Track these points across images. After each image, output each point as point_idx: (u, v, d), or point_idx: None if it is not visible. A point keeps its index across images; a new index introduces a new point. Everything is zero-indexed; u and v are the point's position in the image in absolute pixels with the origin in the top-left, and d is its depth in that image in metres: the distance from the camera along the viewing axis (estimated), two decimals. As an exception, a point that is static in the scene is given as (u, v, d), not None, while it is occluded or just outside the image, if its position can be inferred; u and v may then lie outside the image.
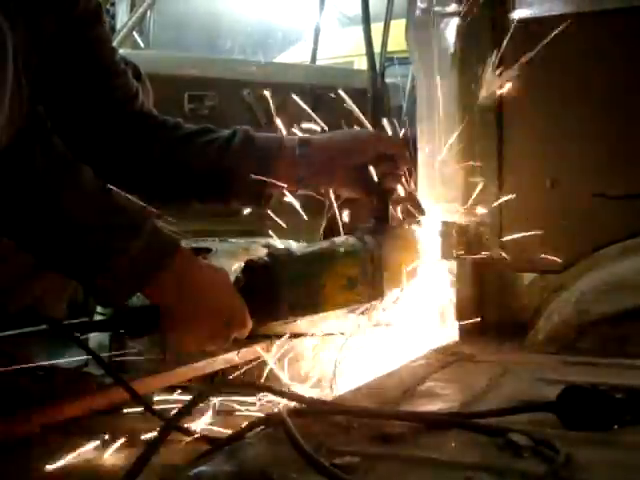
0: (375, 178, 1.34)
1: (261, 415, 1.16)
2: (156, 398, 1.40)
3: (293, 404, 1.09)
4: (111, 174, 1.23)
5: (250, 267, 1.20)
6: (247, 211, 1.41)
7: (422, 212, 1.43)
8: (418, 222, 1.43)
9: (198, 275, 1.11)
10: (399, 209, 1.40)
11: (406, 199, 1.39)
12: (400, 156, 1.36)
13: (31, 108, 1.01)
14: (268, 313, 1.22)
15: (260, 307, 1.19)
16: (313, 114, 1.50)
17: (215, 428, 1.27)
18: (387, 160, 1.33)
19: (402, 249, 1.37)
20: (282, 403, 1.19)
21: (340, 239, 1.32)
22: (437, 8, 1.83)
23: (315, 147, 1.34)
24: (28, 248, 1.06)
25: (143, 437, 1.20)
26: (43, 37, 1.13)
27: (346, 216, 1.42)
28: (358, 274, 1.28)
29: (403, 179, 1.36)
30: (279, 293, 1.20)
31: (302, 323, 1.66)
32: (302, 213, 1.42)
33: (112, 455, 1.16)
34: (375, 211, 1.37)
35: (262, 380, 1.43)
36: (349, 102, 1.50)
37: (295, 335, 1.62)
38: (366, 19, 3.32)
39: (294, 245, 1.47)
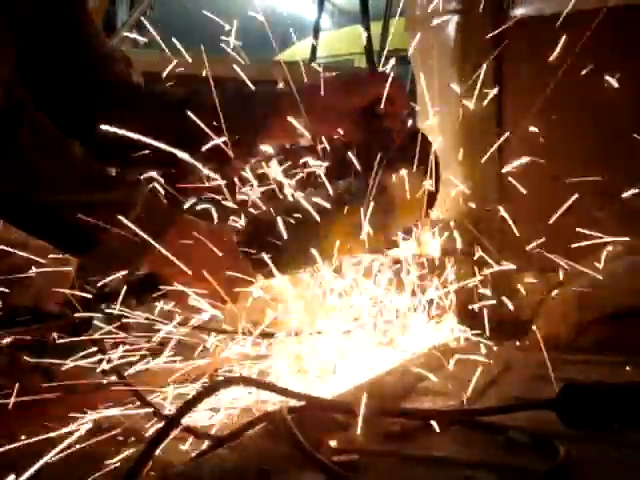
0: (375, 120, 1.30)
1: (261, 413, 1.15)
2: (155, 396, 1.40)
3: (293, 401, 1.09)
4: (100, 150, 1.23)
5: (251, 223, 1.21)
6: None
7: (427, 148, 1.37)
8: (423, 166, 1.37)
9: (195, 241, 1.12)
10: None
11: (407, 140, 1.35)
12: (399, 96, 1.32)
13: (13, 88, 1.02)
14: (275, 265, 1.21)
15: (264, 261, 1.19)
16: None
17: (215, 425, 1.27)
18: (386, 100, 1.29)
19: (410, 193, 1.33)
20: (282, 401, 1.19)
21: (344, 183, 1.29)
22: (437, 6, 1.83)
23: (311, 93, 1.30)
24: (20, 224, 1.08)
25: (144, 435, 1.20)
26: (20, 20, 1.13)
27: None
28: (364, 220, 1.25)
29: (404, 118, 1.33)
30: (283, 244, 1.19)
31: (301, 323, 1.67)
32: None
33: (113, 452, 1.16)
34: (379, 153, 1.31)
35: (263, 377, 1.43)
36: None
37: (296, 333, 1.62)
38: (365, 18, 3.32)
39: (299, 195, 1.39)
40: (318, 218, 1.22)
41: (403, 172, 1.32)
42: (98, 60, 1.33)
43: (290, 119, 1.27)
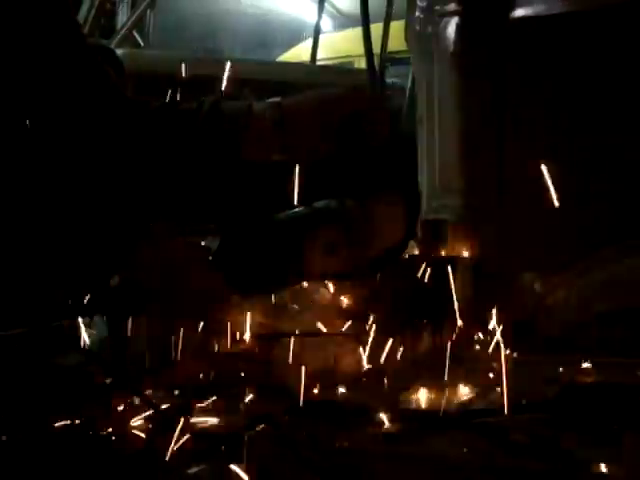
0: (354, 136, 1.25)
1: (260, 414, 1.15)
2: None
3: (292, 403, 1.09)
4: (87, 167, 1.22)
5: (226, 240, 1.20)
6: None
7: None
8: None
9: (170, 255, 1.12)
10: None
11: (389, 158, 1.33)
12: (379, 111, 1.28)
13: None
14: (252, 285, 1.21)
15: (240, 280, 1.18)
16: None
17: (214, 426, 1.27)
18: (366, 116, 1.25)
19: (388, 216, 1.31)
20: (281, 402, 1.19)
21: (320, 204, 1.26)
22: (437, 7, 1.83)
23: (288, 112, 1.25)
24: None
25: (143, 436, 1.19)
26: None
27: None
28: (339, 240, 1.23)
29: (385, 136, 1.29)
30: (258, 262, 1.18)
31: (301, 322, 1.66)
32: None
33: (111, 454, 1.16)
34: (358, 171, 1.30)
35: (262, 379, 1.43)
36: None
37: (295, 334, 1.62)
38: (365, 19, 3.31)
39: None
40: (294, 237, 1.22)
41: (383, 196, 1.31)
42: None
43: (263, 136, 1.23)
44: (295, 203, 1.26)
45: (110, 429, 1.21)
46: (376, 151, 1.27)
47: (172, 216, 1.35)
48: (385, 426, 0.97)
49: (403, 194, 1.33)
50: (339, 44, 5.22)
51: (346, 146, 1.25)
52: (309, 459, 0.83)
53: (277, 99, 1.25)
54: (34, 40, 1.16)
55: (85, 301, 1.28)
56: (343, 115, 1.24)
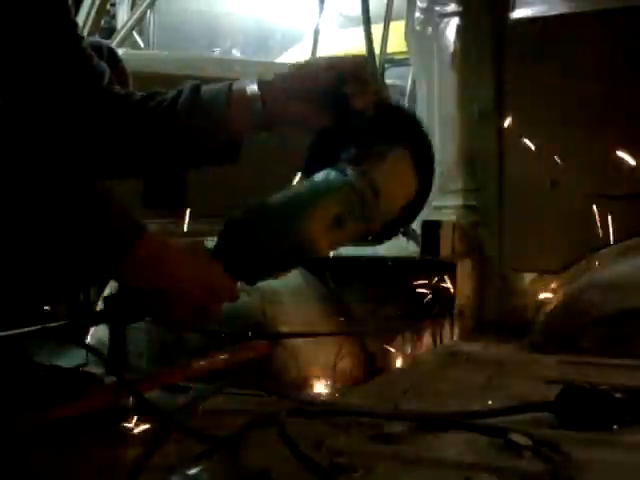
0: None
1: (260, 415, 1.15)
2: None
3: (293, 404, 1.09)
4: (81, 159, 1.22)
5: (226, 227, 1.15)
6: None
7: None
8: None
9: (167, 256, 1.09)
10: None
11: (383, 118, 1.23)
12: (364, 74, 1.23)
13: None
14: (256, 270, 1.16)
15: (246, 266, 1.14)
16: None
17: (215, 427, 1.27)
18: (351, 81, 1.20)
19: (394, 174, 1.22)
20: (282, 403, 1.19)
21: (320, 175, 1.20)
22: (437, 8, 1.83)
23: (267, 84, 1.23)
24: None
25: (144, 437, 1.19)
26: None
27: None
28: (344, 211, 1.15)
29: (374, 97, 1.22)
30: (262, 246, 1.13)
31: (300, 323, 1.67)
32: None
33: (111, 454, 1.16)
34: (353, 138, 1.23)
35: (262, 380, 1.43)
36: None
37: (293, 335, 1.62)
38: (366, 20, 3.31)
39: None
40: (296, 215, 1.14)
41: (384, 154, 1.21)
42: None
43: (244, 111, 1.21)
44: (292, 178, 1.24)
45: (110, 429, 1.21)
46: (367, 110, 1.20)
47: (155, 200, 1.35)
48: (385, 426, 0.97)
49: (407, 146, 1.24)
50: (339, 45, 5.22)
51: (334, 112, 1.21)
52: (309, 459, 0.83)
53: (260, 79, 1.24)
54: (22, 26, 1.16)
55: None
56: (325, 81, 1.21)
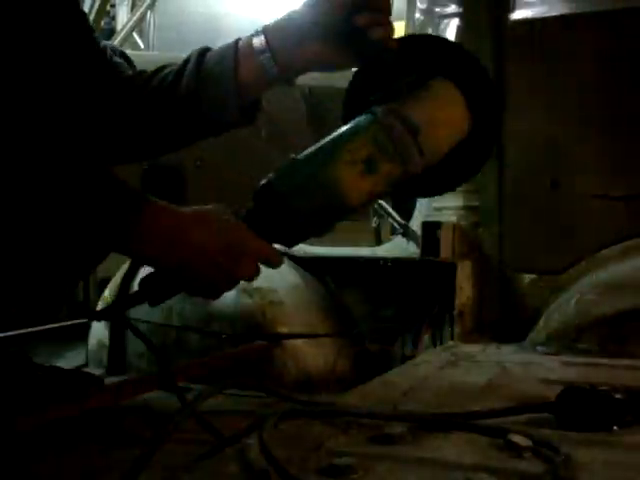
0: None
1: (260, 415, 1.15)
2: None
3: (290, 405, 1.09)
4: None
5: (257, 190, 1.08)
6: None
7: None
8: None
9: (179, 223, 1.03)
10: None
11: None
12: (379, 2, 1.11)
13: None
14: (291, 232, 1.09)
15: (280, 229, 1.07)
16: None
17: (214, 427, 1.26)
18: (367, 9, 1.09)
19: (433, 109, 1.10)
20: (281, 403, 1.19)
21: (353, 120, 1.10)
22: (437, 9, 1.83)
23: (273, 31, 1.15)
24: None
25: (143, 437, 1.19)
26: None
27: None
28: (373, 151, 1.05)
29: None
30: (292, 205, 1.05)
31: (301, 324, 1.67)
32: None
33: (111, 454, 1.16)
34: (379, 75, 1.11)
35: (262, 381, 1.43)
36: None
37: (293, 336, 1.62)
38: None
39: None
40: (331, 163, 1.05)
41: (417, 88, 1.09)
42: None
43: (254, 66, 1.14)
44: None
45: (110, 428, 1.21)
46: (387, 41, 1.09)
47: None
48: (384, 427, 0.97)
49: (450, 75, 1.11)
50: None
51: (352, 49, 1.11)
52: (307, 460, 0.83)
53: (264, 26, 1.17)
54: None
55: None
56: (333, 15, 1.11)
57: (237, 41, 1.17)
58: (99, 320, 1.20)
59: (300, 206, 1.06)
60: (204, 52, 1.19)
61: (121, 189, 1.01)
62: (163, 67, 1.23)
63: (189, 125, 1.21)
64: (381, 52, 1.09)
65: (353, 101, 1.17)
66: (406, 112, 1.07)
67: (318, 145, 1.09)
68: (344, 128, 1.09)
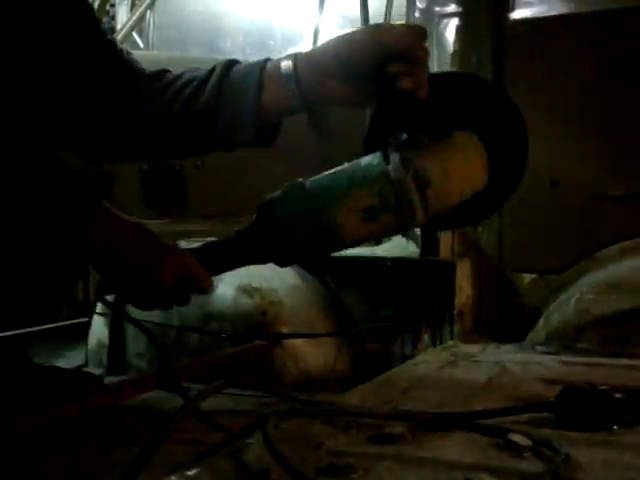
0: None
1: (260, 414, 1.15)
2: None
3: (291, 404, 1.09)
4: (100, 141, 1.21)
5: (260, 207, 1.11)
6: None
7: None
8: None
9: (117, 231, 1.06)
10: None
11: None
12: (415, 49, 1.06)
13: None
14: (282, 254, 1.12)
15: (273, 249, 1.11)
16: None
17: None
18: (399, 58, 1.06)
19: (449, 163, 1.08)
20: (281, 403, 1.19)
21: (366, 159, 1.09)
22: (436, 9, 1.83)
23: (304, 59, 1.12)
24: None
25: (143, 437, 1.20)
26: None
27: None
28: (376, 204, 1.06)
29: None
30: (289, 232, 1.08)
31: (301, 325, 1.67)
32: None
33: (111, 454, 1.16)
34: (402, 120, 1.09)
35: (262, 380, 1.43)
36: None
37: (293, 336, 1.62)
38: (365, 20, 3.31)
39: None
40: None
41: (437, 140, 1.07)
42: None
43: (283, 88, 1.12)
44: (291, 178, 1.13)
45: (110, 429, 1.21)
46: (417, 91, 1.06)
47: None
48: (384, 427, 0.97)
49: (475, 127, 1.09)
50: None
51: (379, 92, 1.09)
52: (307, 459, 0.83)
53: (296, 53, 1.14)
54: None
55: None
56: (367, 58, 1.07)
57: (265, 61, 1.15)
58: (106, 305, 1.21)
59: (296, 236, 1.08)
60: (230, 65, 1.17)
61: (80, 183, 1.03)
62: (186, 71, 1.22)
63: (202, 140, 1.21)
64: (408, 102, 1.07)
65: (372, 138, 1.15)
66: (421, 164, 1.06)
67: (328, 178, 1.10)
68: (356, 168, 1.09)
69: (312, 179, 1.10)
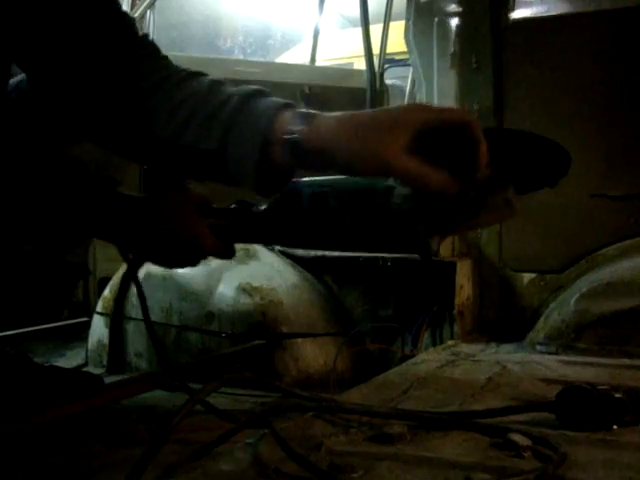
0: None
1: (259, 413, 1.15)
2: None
3: (291, 403, 1.09)
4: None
5: (286, 190, 1.11)
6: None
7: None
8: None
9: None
10: None
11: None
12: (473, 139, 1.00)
13: None
14: (294, 242, 1.19)
15: (287, 233, 1.15)
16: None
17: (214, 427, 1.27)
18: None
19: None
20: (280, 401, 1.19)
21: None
22: (437, 8, 1.83)
23: (317, 125, 1.01)
24: None
25: (143, 437, 1.20)
26: None
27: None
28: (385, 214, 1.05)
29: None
30: (300, 220, 1.11)
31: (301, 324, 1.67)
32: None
33: (111, 454, 1.16)
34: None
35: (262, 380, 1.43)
36: None
37: (293, 335, 1.62)
38: (365, 20, 3.32)
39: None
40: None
41: None
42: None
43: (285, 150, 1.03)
44: None
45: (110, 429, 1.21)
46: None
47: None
48: (384, 426, 0.97)
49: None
50: (338, 45, 5.22)
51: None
52: (307, 459, 0.83)
53: (311, 115, 1.03)
54: None
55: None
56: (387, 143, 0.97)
57: (275, 114, 1.05)
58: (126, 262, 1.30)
59: (309, 230, 1.10)
60: (248, 99, 1.09)
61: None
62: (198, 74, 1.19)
63: (212, 176, 1.20)
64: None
65: None
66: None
67: (353, 184, 1.09)
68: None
69: (346, 179, 1.10)
